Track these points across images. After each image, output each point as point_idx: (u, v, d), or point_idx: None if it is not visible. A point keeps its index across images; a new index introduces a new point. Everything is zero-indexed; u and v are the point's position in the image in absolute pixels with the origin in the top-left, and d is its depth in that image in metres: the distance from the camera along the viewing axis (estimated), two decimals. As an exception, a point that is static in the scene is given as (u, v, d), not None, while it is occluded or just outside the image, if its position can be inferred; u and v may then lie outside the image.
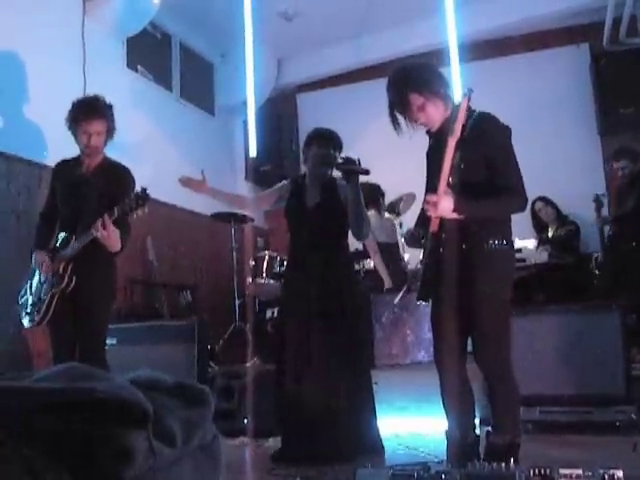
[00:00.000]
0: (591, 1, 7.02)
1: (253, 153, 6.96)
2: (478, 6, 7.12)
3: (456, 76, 6.15)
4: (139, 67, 6.98)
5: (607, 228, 6.06)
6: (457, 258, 2.96)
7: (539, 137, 7.38)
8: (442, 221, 2.95)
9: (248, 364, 5.55)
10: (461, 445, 3.09)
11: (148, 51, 7.11)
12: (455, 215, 2.86)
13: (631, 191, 5.82)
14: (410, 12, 7.36)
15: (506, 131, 3.04)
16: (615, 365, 4.21)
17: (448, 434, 3.15)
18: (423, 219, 3.16)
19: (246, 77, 6.74)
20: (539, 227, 6.78)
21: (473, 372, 3.19)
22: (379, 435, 3.98)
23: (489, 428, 3.07)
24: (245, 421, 4.63)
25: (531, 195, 5.69)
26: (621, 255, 5.77)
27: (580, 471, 2.33)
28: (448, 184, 2.86)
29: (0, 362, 4.69)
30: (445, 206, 2.83)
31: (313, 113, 8.63)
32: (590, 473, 2.31)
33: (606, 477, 2.28)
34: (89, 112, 3.86)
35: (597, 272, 6.02)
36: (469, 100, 2.87)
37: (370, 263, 6.70)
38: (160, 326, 5.43)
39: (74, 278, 3.75)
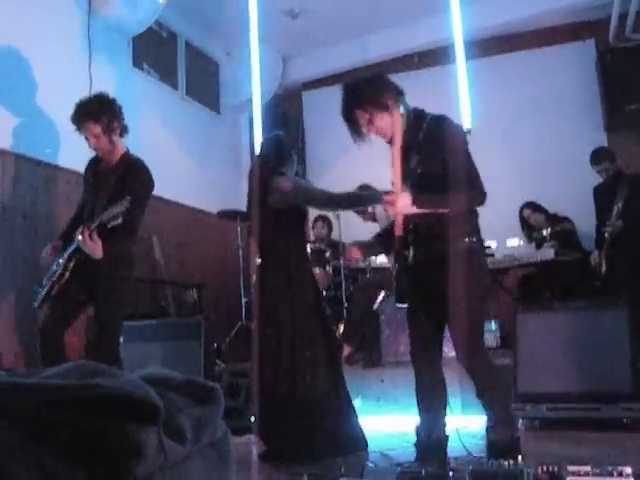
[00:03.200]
0: (597, -3, 7.01)
1: (259, 151, 6.95)
2: (484, 3, 7.11)
3: (462, 73, 6.15)
4: (145, 65, 6.98)
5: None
6: (429, 259, 3.07)
7: (545, 133, 7.37)
8: (407, 225, 3.06)
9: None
10: (427, 443, 3.16)
11: (154, 49, 7.11)
12: (414, 209, 2.96)
13: (613, 190, 5.85)
14: (416, 9, 7.35)
15: (460, 131, 3.16)
16: (623, 362, 4.20)
17: (417, 431, 3.22)
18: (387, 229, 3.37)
19: (252, 75, 6.75)
20: (530, 231, 6.73)
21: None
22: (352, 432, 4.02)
23: (488, 425, 3.09)
24: (252, 419, 4.63)
25: (518, 199, 5.70)
26: (618, 253, 5.78)
27: (588, 468, 2.33)
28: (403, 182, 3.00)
29: (6, 360, 4.71)
30: (403, 202, 2.95)
31: (319, 110, 8.62)
32: (598, 470, 2.31)
33: (614, 474, 2.28)
34: (77, 116, 3.91)
35: (602, 270, 5.99)
36: (400, 107, 3.12)
37: (377, 260, 6.71)
38: (166, 324, 5.44)
39: (67, 272, 3.78)
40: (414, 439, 3.24)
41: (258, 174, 4.16)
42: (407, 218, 3.03)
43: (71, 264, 3.80)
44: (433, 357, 3.21)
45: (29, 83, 5.23)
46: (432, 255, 3.05)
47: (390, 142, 3.21)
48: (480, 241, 3.18)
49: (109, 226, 3.57)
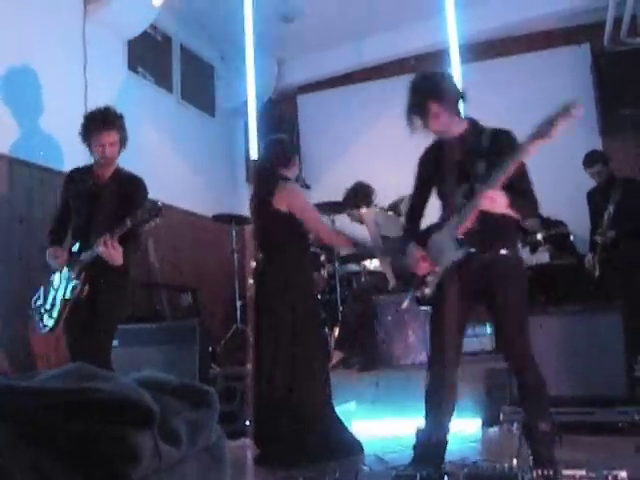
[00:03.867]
0: (592, 1, 7.02)
1: (254, 155, 6.95)
2: (478, 7, 7.12)
3: (457, 76, 6.14)
4: (140, 69, 6.97)
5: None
6: (486, 261, 3.12)
7: (540, 138, 7.37)
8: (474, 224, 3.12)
9: (249, 366, 5.53)
10: (426, 446, 3.18)
11: (149, 53, 7.10)
12: (509, 210, 3.02)
13: (606, 195, 5.86)
14: (410, 13, 7.36)
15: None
16: (618, 366, 4.20)
17: (418, 434, 3.23)
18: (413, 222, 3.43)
19: (247, 79, 6.74)
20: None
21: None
22: (345, 437, 4.04)
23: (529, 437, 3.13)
24: (247, 423, 4.62)
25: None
26: (612, 257, 5.80)
27: (583, 472, 2.34)
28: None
29: (1, 364, 4.69)
30: (502, 201, 2.98)
31: (314, 114, 8.63)
32: (593, 474, 2.32)
33: (609, 478, 2.28)
34: (102, 124, 3.93)
35: (596, 274, 6.00)
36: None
37: (372, 263, 6.70)
38: (161, 328, 5.42)
39: (87, 285, 3.85)
40: (413, 441, 3.24)
41: (260, 176, 4.23)
42: (479, 217, 3.08)
43: (82, 275, 3.86)
44: (452, 361, 3.23)
45: (24, 86, 5.21)
46: (490, 257, 3.13)
47: (442, 139, 3.29)
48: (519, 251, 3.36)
49: (146, 228, 3.69)
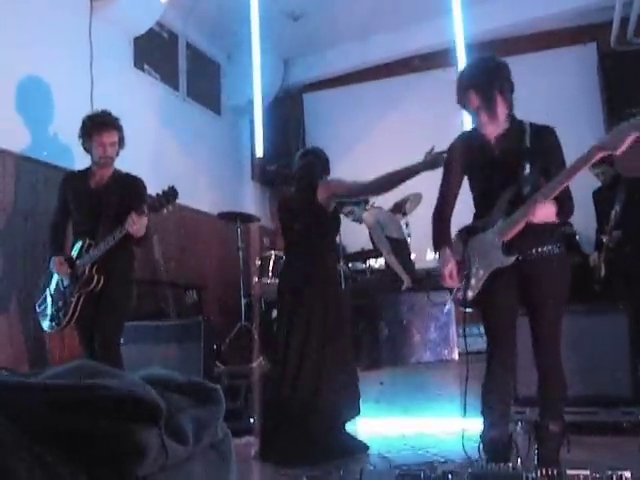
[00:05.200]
0: (598, 1, 7.00)
1: (260, 153, 6.96)
2: (484, 6, 7.11)
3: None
4: (146, 66, 6.98)
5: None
6: (524, 264, 3.08)
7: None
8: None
9: (254, 364, 5.55)
10: (496, 444, 3.17)
11: (155, 51, 7.10)
12: (554, 218, 3.00)
13: (612, 195, 5.84)
14: (416, 12, 7.36)
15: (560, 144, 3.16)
16: (622, 366, 4.20)
17: (484, 433, 3.23)
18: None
19: (253, 77, 6.74)
20: None
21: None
22: (348, 437, 4.08)
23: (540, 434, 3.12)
24: (251, 420, 4.63)
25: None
26: (617, 258, 5.79)
27: (587, 472, 2.33)
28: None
29: (6, 360, 4.71)
30: (552, 212, 2.98)
31: (319, 113, 8.63)
32: (597, 474, 2.31)
33: (614, 478, 2.27)
34: (104, 124, 4.08)
35: (602, 274, 5.99)
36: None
37: (377, 262, 6.71)
38: (166, 325, 5.44)
39: (102, 278, 3.98)
40: (478, 440, 3.24)
41: (302, 179, 4.43)
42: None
43: (94, 269, 3.98)
44: (511, 357, 3.22)
45: (30, 83, 5.22)
46: (536, 255, 3.10)
47: (482, 135, 3.20)
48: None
49: (165, 212, 3.79)
